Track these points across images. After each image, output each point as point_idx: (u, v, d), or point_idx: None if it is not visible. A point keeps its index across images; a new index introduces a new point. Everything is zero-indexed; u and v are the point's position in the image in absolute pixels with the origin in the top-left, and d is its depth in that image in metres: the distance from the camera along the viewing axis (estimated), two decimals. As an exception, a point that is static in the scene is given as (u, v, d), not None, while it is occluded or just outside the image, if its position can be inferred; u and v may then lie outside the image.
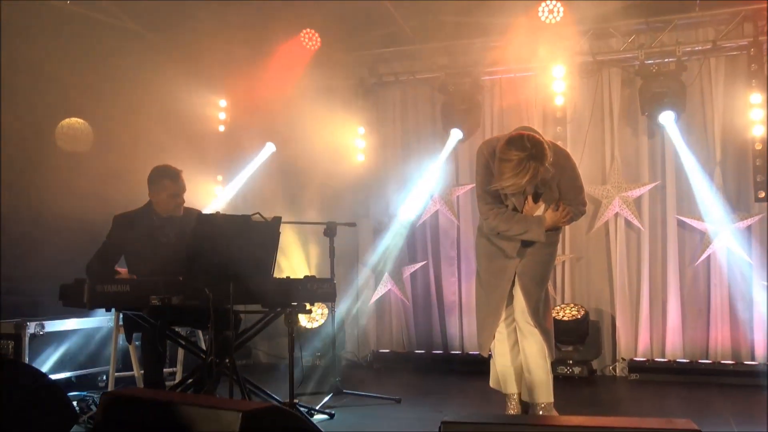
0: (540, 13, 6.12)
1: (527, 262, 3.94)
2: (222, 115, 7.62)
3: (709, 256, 6.22)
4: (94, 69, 6.04)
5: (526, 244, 3.90)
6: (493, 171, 3.71)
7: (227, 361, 3.88)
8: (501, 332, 3.98)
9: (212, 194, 7.46)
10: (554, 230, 3.98)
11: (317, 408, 4.56)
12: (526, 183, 3.60)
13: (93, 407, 4.17)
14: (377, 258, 7.13)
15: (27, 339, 4.87)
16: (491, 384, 4.11)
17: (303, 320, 6.71)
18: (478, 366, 4.04)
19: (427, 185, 7.00)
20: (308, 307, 4.25)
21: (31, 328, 4.93)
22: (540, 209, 3.87)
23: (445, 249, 7.08)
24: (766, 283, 6.03)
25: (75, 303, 3.67)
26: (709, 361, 6.04)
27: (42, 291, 5.26)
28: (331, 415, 4.47)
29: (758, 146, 6.02)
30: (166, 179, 4.35)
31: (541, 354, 3.86)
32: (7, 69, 5.33)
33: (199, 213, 4.52)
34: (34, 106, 5.69)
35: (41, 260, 5.47)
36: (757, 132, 6.02)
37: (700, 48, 6.31)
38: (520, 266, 3.94)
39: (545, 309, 4.02)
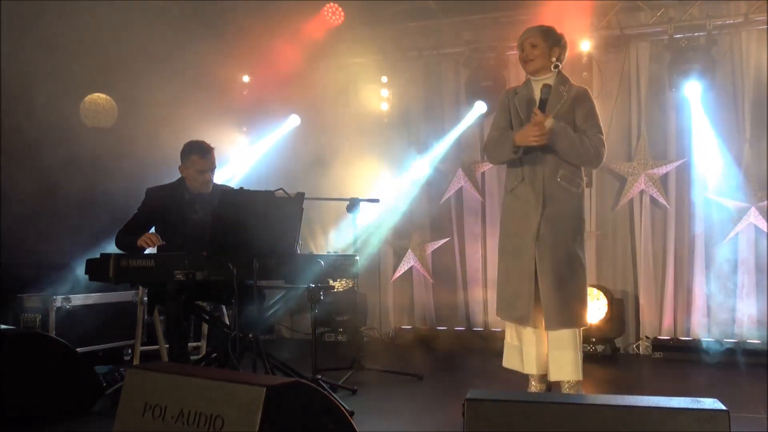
0: (566, -15, 6.03)
1: (548, 240, 3.66)
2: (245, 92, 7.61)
3: (736, 235, 6.14)
4: (118, 43, 6.04)
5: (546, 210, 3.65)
6: (510, 108, 3.84)
7: (251, 336, 3.91)
8: None
9: (237, 146, 7.51)
10: (571, 182, 3.71)
11: (340, 383, 4.59)
12: (528, 42, 3.77)
13: (120, 380, 4.23)
14: (400, 233, 7.12)
15: (54, 313, 4.94)
16: (504, 363, 3.89)
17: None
18: (502, 343, 3.97)
19: (452, 161, 6.97)
20: (332, 282, 4.28)
21: (58, 301, 5.00)
22: (549, 120, 3.59)
23: (469, 225, 7.06)
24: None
25: (101, 277, 3.70)
26: (735, 341, 5.99)
27: (65, 265, 5.33)
28: (354, 391, 4.50)
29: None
30: (195, 154, 4.36)
31: (571, 331, 3.65)
32: (33, 47, 5.36)
33: (224, 189, 4.53)
34: (58, 81, 5.70)
35: (63, 234, 5.53)
36: (788, 108, 5.92)
37: (731, 22, 6.18)
38: (540, 246, 3.66)
39: (579, 295, 3.72)
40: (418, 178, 7.11)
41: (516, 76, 6.78)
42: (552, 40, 3.75)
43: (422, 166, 7.10)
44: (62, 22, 5.51)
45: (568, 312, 3.62)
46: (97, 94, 6.26)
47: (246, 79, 7.56)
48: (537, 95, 3.73)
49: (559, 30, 3.86)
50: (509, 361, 3.85)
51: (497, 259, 3.99)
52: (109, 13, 5.84)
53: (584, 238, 3.85)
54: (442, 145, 6.96)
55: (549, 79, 3.74)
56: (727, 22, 6.18)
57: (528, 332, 3.74)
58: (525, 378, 3.92)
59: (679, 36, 6.21)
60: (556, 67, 3.78)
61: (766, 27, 6.10)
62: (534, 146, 3.60)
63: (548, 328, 3.64)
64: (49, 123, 5.44)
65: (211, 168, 4.42)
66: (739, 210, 6.10)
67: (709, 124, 6.18)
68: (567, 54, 3.91)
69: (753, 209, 6.04)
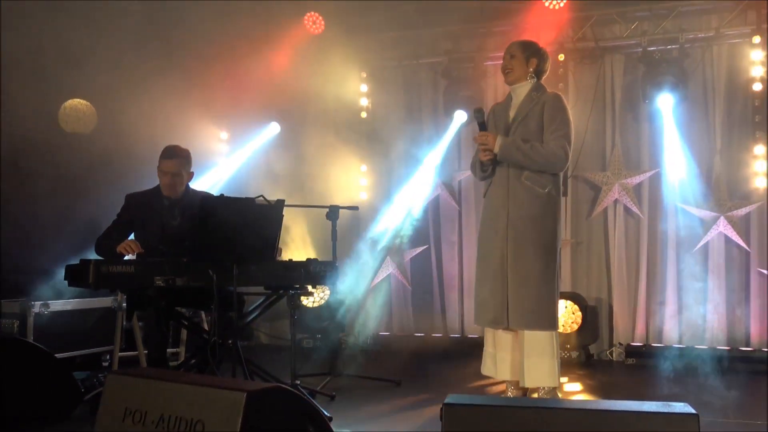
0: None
1: (517, 241, 3.71)
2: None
3: (707, 244, 6.24)
4: (98, 49, 6.01)
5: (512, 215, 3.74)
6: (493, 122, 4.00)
7: (230, 342, 3.91)
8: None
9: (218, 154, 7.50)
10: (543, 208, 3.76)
11: (318, 389, 4.60)
12: (507, 53, 3.91)
13: (98, 386, 4.20)
14: (379, 241, 7.15)
15: (32, 318, 4.89)
16: (482, 370, 3.93)
17: (305, 301, 6.74)
18: (479, 349, 4.01)
19: (429, 169, 7.01)
20: (310, 289, 4.28)
21: (36, 307, 4.95)
22: (498, 138, 3.76)
23: (446, 233, 7.10)
24: (763, 270, 6.07)
25: (80, 283, 3.68)
26: (705, 347, 6.08)
27: (44, 271, 5.29)
28: (332, 397, 4.50)
29: (758, 135, 6.03)
30: (162, 157, 4.36)
31: (548, 338, 3.67)
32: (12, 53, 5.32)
33: (203, 195, 4.53)
34: (37, 87, 5.67)
35: (43, 240, 5.49)
36: (757, 118, 6.03)
37: (703, 35, 6.29)
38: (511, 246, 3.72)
39: (549, 297, 3.74)
40: (397, 185, 7.14)
41: (494, 86, 6.86)
42: (529, 52, 3.87)
43: (401, 174, 7.13)
44: (43, 26, 5.49)
45: (537, 313, 3.64)
46: (77, 99, 6.22)
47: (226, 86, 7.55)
48: (516, 103, 3.89)
49: (540, 44, 3.97)
50: (486, 368, 3.88)
51: (474, 268, 4.08)
52: (89, 19, 5.82)
53: (557, 239, 3.84)
54: (421, 154, 7.00)
55: (524, 87, 3.88)
56: (699, 35, 6.30)
57: (502, 338, 3.78)
58: (502, 384, 3.96)
59: (652, 48, 6.30)
60: (533, 76, 3.89)
61: (736, 41, 6.23)
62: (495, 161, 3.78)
63: (513, 326, 3.68)
64: (28, 129, 5.41)
65: (174, 171, 4.34)
66: (709, 219, 6.20)
67: (681, 135, 6.27)
68: (548, 65, 4.02)
69: (722, 218, 6.14)
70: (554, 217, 3.82)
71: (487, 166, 3.80)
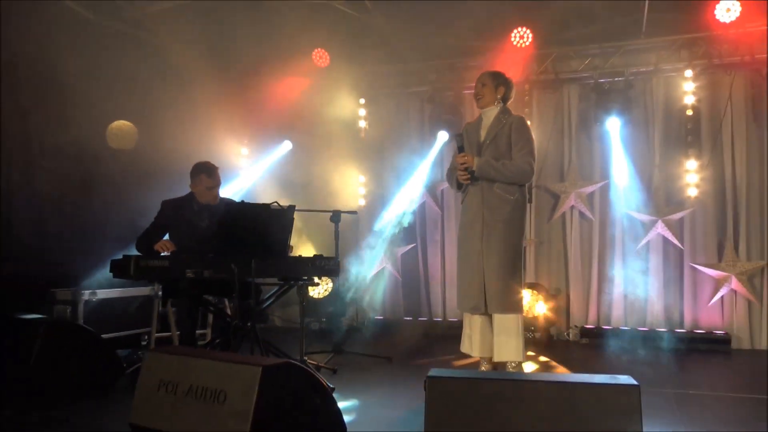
0: (512, 38, 6.12)
1: (491, 242, 3.73)
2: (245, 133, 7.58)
3: (648, 243, 6.25)
4: (141, 79, 6.01)
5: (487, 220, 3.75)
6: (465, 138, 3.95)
7: (249, 324, 3.90)
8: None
9: (238, 166, 7.47)
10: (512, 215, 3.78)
11: (323, 364, 4.58)
12: (479, 82, 3.91)
13: (138, 362, 4.18)
14: (374, 240, 7.14)
15: (82, 305, 4.87)
16: (461, 348, 3.92)
17: (312, 291, 6.73)
18: (458, 330, 4.00)
19: (417, 180, 7.01)
20: (317, 280, 4.27)
21: (86, 295, 4.92)
22: (474, 159, 3.77)
23: (431, 234, 7.10)
24: (695, 265, 6.08)
25: (123, 275, 3.66)
26: (647, 329, 6.09)
27: (92, 264, 5.28)
28: (334, 370, 4.49)
29: (689, 152, 6.06)
30: (203, 173, 4.35)
31: (515, 320, 3.69)
32: (69, 77, 5.32)
33: (227, 201, 4.52)
34: (89, 111, 5.66)
35: (91, 239, 5.47)
36: (689, 138, 6.05)
37: (644, 69, 6.31)
38: (486, 246, 3.73)
39: (515, 286, 3.75)
40: (390, 193, 7.14)
41: (471, 110, 6.85)
42: (498, 81, 3.88)
43: (393, 184, 7.13)
44: (98, 56, 5.49)
45: (506, 299, 3.67)
46: (122, 120, 6.20)
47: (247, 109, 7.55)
48: (486, 124, 3.89)
49: (507, 75, 3.96)
50: (464, 346, 3.89)
51: (455, 263, 4.11)
52: (132, 51, 5.83)
53: (522, 238, 3.85)
54: (410, 167, 7.00)
55: (493, 111, 3.88)
56: (641, 69, 6.31)
57: (477, 321, 3.80)
58: (477, 359, 3.95)
59: (602, 80, 6.31)
60: (500, 102, 3.89)
61: (672, 74, 6.25)
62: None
63: (491, 311, 3.70)
64: (84, 143, 5.40)
65: (218, 184, 4.40)
66: (649, 222, 6.21)
67: (626, 152, 6.29)
68: (513, 92, 3.99)
69: (660, 222, 6.15)
70: (521, 219, 3.84)
71: (462, 186, 3.88)
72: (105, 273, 4.08)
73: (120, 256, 3.68)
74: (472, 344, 3.84)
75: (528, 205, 6.43)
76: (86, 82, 5.40)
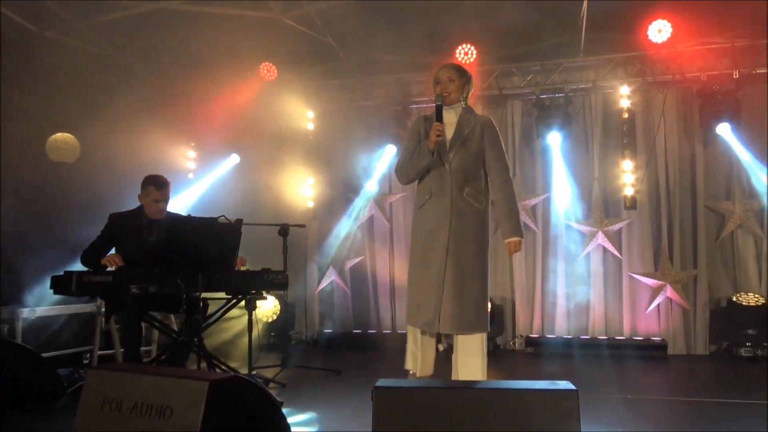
0: (457, 55, 6.24)
1: (460, 248, 3.37)
2: (191, 144, 7.50)
3: (588, 253, 6.45)
4: (81, 90, 5.87)
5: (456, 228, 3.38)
6: (421, 132, 3.54)
7: (196, 340, 3.85)
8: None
9: (186, 180, 7.35)
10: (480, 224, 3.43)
11: (272, 378, 4.55)
12: (446, 77, 3.52)
13: (79, 381, 4.06)
14: (323, 253, 7.14)
15: (20, 323, 4.70)
16: (407, 366, 3.53)
17: (261, 316, 6.66)
18: (406, 343, 3.94)
19: (365, 194, 7.05)
20: (264, 294, 4.24)
21: (24, 313, 4.76)
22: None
23: (379, 246, 7.13)
24: (633, 275, 6.30)
25: (64, 291, 3.56)
26: (588, 337, 6.27)
27: (31, 281, 5.11)
28: (283, 384, 4.47)
29: (626, 166, 6.30)
30: (152, 185, 4.28)
31: (480, 339, 3.38)
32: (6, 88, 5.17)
33: (173, 215, 4.46)
34: (29, 122, 5.50)
35: (29, 255, 5.30)
36: (626, 153, 6.29)
37: (583, 86, 6.54)
38: (452, 259, 3.35)
39: (485, 303, 3.44)
40: (338, 207, 7.16)
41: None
42: (465, 79, 3.59)
43: (341, 198, 7.16)
44: (29, 63, 5.35)
45: (477, 318, 3.35)
46: (63, 133, 6.03)
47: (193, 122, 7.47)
48: (451, 122, 3.51)
49: (468, 69, 3.75)
50: (409, 364, 3.53)
51: (407, 270, 3.61)
52: (71, 59, 5.70)
53: (488, 251, 3.51)
54: (359, 181, 7.04)
55: (458, 109, 3.55)
56: (580, 86, 6.54)
57: (427, 338, 3.49)
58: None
59: (543, 96, 6.51)
60: (465, 99, 3.60)
61: (609, 91, 6.50)
62: (441, 162, 3.42)
63: (450, 331, 3.35)
64: (21, 156, 5.24)
65: (165, 199, 4.33)
66: (590, 233, 6.41)
67: (567, 166, 6.49)
68: (473, 89, 3.76)
69: (600, 233, 6.36)
70: (488, 231, 3.54)
71: (433, 152, 3.38)
72: (45, 289, 3.97)
73: (61, 272, 3.58)
74: (418, 363, 3.48)
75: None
76: (24, 93, 5.25)
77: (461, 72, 3.58)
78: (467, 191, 3.43)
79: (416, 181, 3.56)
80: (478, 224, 3.43)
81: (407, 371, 3.53)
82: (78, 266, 4.01)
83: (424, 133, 3.51)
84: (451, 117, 3.53)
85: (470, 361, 3.37)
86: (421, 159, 3.43)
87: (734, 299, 5.85)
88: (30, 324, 4.81)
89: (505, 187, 3.48)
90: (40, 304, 4.98)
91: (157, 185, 4.28)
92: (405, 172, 3.54)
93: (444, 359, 3.64)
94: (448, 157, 3.43)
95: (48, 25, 5.76)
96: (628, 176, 6.30)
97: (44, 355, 4.05)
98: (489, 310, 3.46)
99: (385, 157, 6.92)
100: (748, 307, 5.75)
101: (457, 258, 3.35)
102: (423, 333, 3.47)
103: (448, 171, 3.42)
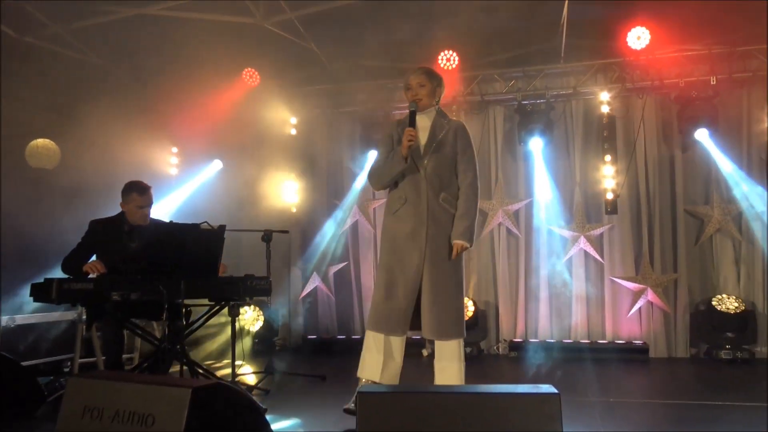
0: (439, 61, 6.28)
1: (436, 263, 3.35)
2: (174, 150, 7.46)
3: (571, 258, 6.50)
4: (61, 96, 5.82)
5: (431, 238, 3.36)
6: (394, 137, 3.52)
7: (178, 347, 3.82)
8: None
9: (169, 185, 7.29)
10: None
11: (255, 385, 4.52)
12: (416, 82, 3.49)
13: (60, 389, 4.01)
14: (306, 259, 7.13)
15: (-1, 331, 4.64)
16: (359, 373, 3.47)
17: (245, 324, 6.63)
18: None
19: (349, 199, 7.06)
20: (248, 301, 4.22)
21: (3, 321, 4.69)
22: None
23: (363, 252, 7.13)
24: (614, 278, 6.36)
25: (44, 299, 3.53)
26: (571, 341, 6.32)
27: (10, 289, 5.05)
28: (267, 391, 4.45)
29: (607, 171, 6.36)
30: (135, 191, 4.26)
31: (457, 344, 3.37)
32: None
33: (156, 221, 4.43)
34: (7, 126, 5.44)
35: (7, 262, 5.24)
36: (607, 159, 6.36)
37: (564, 92, 6.61)
38: (428, 271, 3.34)
39: (462, 309, 3.44)
40: (322, 213, 7.16)
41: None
42: (437, 83, 3.56)
43: (325, 203, 7.16)
44: (9, 72, 5.30)
45: (455, 324, 3.35)
46: (43, 139, 5.97)
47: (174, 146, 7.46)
48: (424, 127, 3.49)
49: (439, 73, 3.76)
50: (368, 372, 3.44)
51: (375, 276, 3.59)
52: (54, 63, 5.66)
53: (463, 258, 3.51)
54: (342, 187, 7.04)
55: (431, 113, 3.54)
56: (561, 92, 6.61)
57: (395, 344, 3.42)
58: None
59: (525, 102, 6.57)
60: (437, 103, 3.59)
61: (590, 97, 6.57)
62: (415, 168, 3.40)
63: (429, 337, 3.34)
64: (2, 163, 5.18)
65: (148, 204, 4.31)
66: (572, 238, 6.47)
67: (549, 171, 6.55)
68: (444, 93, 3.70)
69: (582, 237, 6.42)
70: None
71: (407, 158, 3.35)
72: (24, 297, 3.92)
73: (41, 279, 3.54)
74: (381, 370, 3.40)
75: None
76: (3, 99, 5.20)
77: (432, 76, 3.55)
78: (443, 197, 3.42)
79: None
80: (453, 229, 3.41)
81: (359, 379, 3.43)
82: (58, 273, 3.98)
83: (397, 139, 3.49)
84: (424, 122, 3.51)
85: (448, 367, 3.35)
86: (394, 165, 3.41)
87: (713, 303, 5.89)
88: (9, 332, 4.74)
89: (468, 192, 3.46)
90: (20, 311, 4.90)
91: (140, 191, 4.26)
92: (378, 177, 3.53)
93: (428, 364, 3.64)
94: (423, 163, 3.41)
95: (27, 30, 5.70)
96: (608, 181, 6.37)
97: (24, 363, 3.99)
98: (467, 316, 3.46)
99: (368, 163, 6.92)
100: (728, 313, 5.79)
101: (435, 264, 3.34)
102: (388, 339, 3.39)
103: (423, 176, 3.40)
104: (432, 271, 3.34)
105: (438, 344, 3.38)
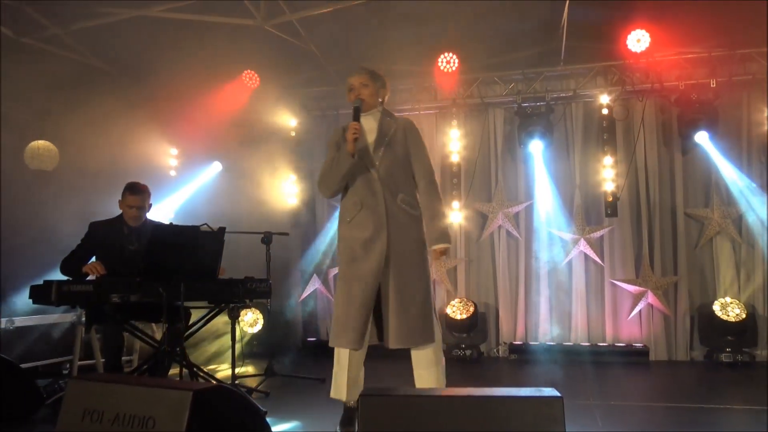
0: (439, 63, 6.28)
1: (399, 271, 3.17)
2: (174, 152, 7.45)
3: (571, 260, 6.50)
4: (60, 98, 5.81)
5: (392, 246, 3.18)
6: (341, 142, 3.35)
7: (178, 349, 3.81)
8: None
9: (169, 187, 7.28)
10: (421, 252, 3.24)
11: (255, 387, 4.51)
12: (359, 82, 3.37)
13: (59, 392, 4.00)
14: (306, 261, 7.12)
15: (-2, 333, 4.63)
16: (334, 394, 3.30)
17: (244, 326, 6.62)
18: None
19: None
20: (248, 303, 4.22)
21: (2, 323, 4.68)
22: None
23: (362, 254, 7.10)
24: (614, 281, 6.36)
25: (43, 301, 3.52)
26: (571, 344, 6.31)
27: (9, 291, 5.03)
28: (267, 393, 4.44)
29: (607, 173, 6.35)
30: (128, 191, 4.27)
31: (432, 350, 3.21)
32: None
33: (156, 223, 4.43)
34: (6, 130, 5.42)
35: (10, 263, 5.22)
36: (607, 161, 6.36)
37: (564, 95, 6.61)
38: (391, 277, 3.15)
39: (433, 313, 3.24)
40: (321, 215, 7.15)
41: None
42: (380, 83, 3.42)
43: (325, 205, 7.15)
44: (8, 73, 5.29)
45: (427, 330, 3.17)
46: (41, 141, 5.96)
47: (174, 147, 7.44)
48: (371, 129, 3.35)
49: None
50: (338, 392, 3.30)
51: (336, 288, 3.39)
52: (51, 66, 5.64)
53: (429, 259, 3.32)
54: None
55: (375, 114, 3.39)
56: (561, 95, 6.61)
57: (354, 357, 3.26)
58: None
59: (525, 105, 6.56)
60: (381, 103, 3.44)
61: (589, 99, 6.57)
62: (367, 170, 3.26)
63: (396, 346, 3.14)
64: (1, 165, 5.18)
65: (140, 205, 4.29)
66: (572, 240, 6.46)
67: (549, 173, 6.55)
68: (389, 92, 3.56)
69: (582, 240, 6.42)
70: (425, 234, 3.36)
71: (353, 154, 3.20)
72: (24, 299, 3.91)
73: (40, 281, 3.53)
74: (348, 388, 3.25)
75: (457, 225, 6.58)
76: (3, 101, 5.19)
77: (374, 76, 3.41)
78: (401, 198, 3.25)
79: (340, 195, 3.39)
80: (415, 231, 3.26)
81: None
82: (57, 275, 3.97)
83: (343, 142, 3.32)
84: (370, 123, 3.36)
85: (425, 375, 3.22)
86: (341, 164, 3.23)
87: (716, 310, 5.85)
88: (9, 334, 4.73)
89: (430, 191, 3.31)
90: (19, 313, 4.89)
91: (133, 191, 4.28)
92: (327, 182, 3.34)
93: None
94: (375, 164, 3.25)
95: (26, 31, 5.69)
96: (608, 184, 6.36)
97: (22, 365, 3.98)
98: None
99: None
100: (728, 321, 5.78)
101: (399, 269, 3.17)
102: (354, 353, 3.23)
103: (377, 178, 3.24)
104: (396, 276, 3.16)
105: (413, 352, 3.23)
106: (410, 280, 3.18)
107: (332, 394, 3.29)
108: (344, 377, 3.25)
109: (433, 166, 3.46)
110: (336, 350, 3.28)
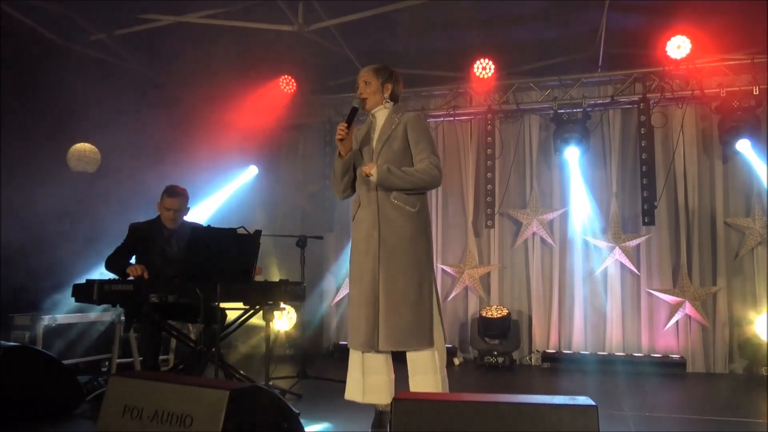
0: (475, 70, 6.28)
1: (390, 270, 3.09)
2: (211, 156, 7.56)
3: (606, 269, 6.41)
4: (104, 102, 5.97)
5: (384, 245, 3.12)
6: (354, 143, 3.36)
7: (214, 349, 3.87)
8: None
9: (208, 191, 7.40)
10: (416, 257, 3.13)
11: (288, 389, 4.56)
12: (362, 81, 3.32)
13: (98, 388, 4.10)
14: (340, 265, 7.16)
15: (41, 330, 4.77)
16: (347, 396, 3.29)
17: (278, 324, 6.69)
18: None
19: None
20: (282, 305, 4.27)
21: (45, 320, 4.83)
22: (374, 169, 3.12)
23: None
24: (650, 291, 6.25)
25: (86, 299, 3.62)
26: (606, 353, 6.22)
27: (52, 289, 5.18)
28: (299, 396, 4.48)
29: (644, 181, 6.26)
30: (165, 194, 4.37)
31: (429, 355, 3.10)
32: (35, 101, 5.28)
33: (194, 226, 4.52)
34: (53, 132, 5.60)
35: (51, 262, 5.38)
36: (644, 170, 6.26)
37: (601, 101, 6.53)
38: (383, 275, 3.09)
39: (426, 316, 3.10)
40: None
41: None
42: (383, 77, 3.32)
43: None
44: (55, 77, 5.46)
45: (417, 333, 3.04)
46: (83, 144, 6.12)
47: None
48: (377, 127, 3.30)
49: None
50: (349, 393, 3.27)
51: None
52: (95, 73, 5.79)
53: (430, 257, 3.20)
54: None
55: (383, 112, 3.32)
56: (598, 101, 6.53)
57: (373, 361, 3.19)
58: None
59: (561, 111, 6.50)
60: (389, 101, 3.32)
61: (627, 106, 6.49)
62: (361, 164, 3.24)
63: (386, 348, 3.08)
64: (46, 167, 5.33)
65: (176, 208, 4.36)
66: (607, 249, 6.38)
67: (585, 181, 6.48)
68: (402, 87, 3.42)
69: (618, 249, 6.33)
70: (426, 235, 3.21)
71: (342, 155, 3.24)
72: (65, 297, 4.03)
73: (83, 281, 3.64)
74: (363, 390, 3.21)
75: (491, 231, 6.56)
76: (49, 104, 5.35)
77: (378, 72, 3.32)
78: (395, 194, 3.14)
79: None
80: (411, 229, 3.13)
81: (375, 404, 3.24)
82: (98, 275, 4.08)
83: (356, 143, 3.35)
84: (377, 120, 3.32)
85: (421, 380, 3.08)
86: (334, 165, 3.31)
87: (755, 327, 5.72)
88: (51, 331, 4.87)
89: (423, 167, 3.15)
90: (61, 311, 5.03)
91: (170, 194, 4.37)
92: (332, 184, 3.45)
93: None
94: (374, 161, 3.18)
95: (72, 37, 5.87)
96: (646, 192, 6.26)
97: (64, 362, 4.09)
98: (439, 322, 3.14)
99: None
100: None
101: (389, 267, 3.07)
102: (366, 356, 3.17)
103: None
104: (386, 274, 3.07)
105: (409, 355, 3.10)
106: (400, 279, 3.07)
107: (345, 396, 3.30)
108: (354, 379, 3.25)
109: (442, 158, 3.38)
110: (350, 351, 3.29)
